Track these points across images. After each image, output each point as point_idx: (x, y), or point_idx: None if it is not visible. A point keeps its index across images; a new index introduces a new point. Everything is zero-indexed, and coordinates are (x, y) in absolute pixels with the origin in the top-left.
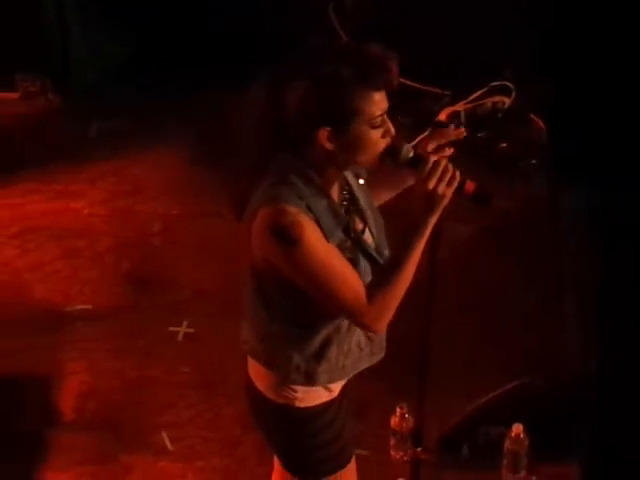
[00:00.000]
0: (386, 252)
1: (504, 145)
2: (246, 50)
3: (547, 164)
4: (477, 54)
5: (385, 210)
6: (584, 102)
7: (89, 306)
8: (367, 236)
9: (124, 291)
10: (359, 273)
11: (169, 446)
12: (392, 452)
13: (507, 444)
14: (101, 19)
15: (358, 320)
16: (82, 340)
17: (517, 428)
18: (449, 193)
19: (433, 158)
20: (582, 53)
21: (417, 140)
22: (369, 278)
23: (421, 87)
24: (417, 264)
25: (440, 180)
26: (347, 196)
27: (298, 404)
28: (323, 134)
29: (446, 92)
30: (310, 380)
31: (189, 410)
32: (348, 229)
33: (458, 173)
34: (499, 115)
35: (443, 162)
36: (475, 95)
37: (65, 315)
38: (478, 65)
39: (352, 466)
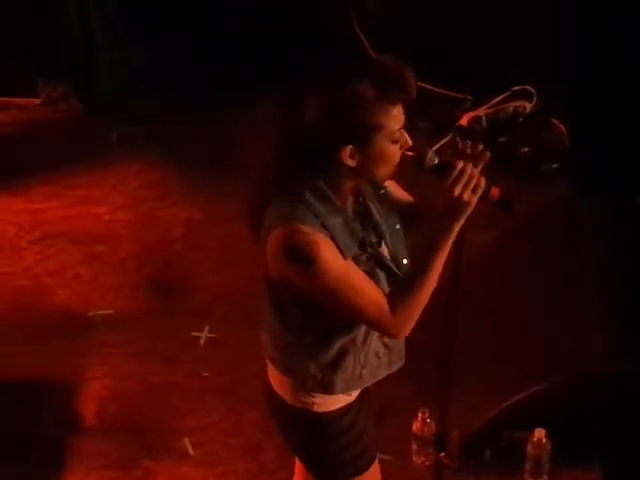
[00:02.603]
0: (405, 261)
1: (526, 149)
2: (270, 54)
3: (569, 167)
4: (498, 59)
5: None
6: (603, 106)
7: (111, 311)
8: (383, 248)
9: (146, 296)
10: (376, 284)
11: (191, 451)
12: (414, 457)
13: (529, 449)
14: (124, 26)
15: (382, 329)
16: (104, 345)
17: (539, 433)
18: (474, 200)
19: (459, 165)
20: (601, 58)
21: (438, 145)
22: (386, 289)
23: (443, 92)
24: (440, 271)
25: (466, 187)
26: (361, 209)
27: (316, 409)
28: (345, 152)
29: (468, 97)
30: (327, 389)
31: (211, 415)
32: (364, 244)
33: (483, 179)
34: (520, 119)
35: (469, 169)
36: (497, 100)
37: (87, 320)
38: (499, 70)
39: (375, 469)
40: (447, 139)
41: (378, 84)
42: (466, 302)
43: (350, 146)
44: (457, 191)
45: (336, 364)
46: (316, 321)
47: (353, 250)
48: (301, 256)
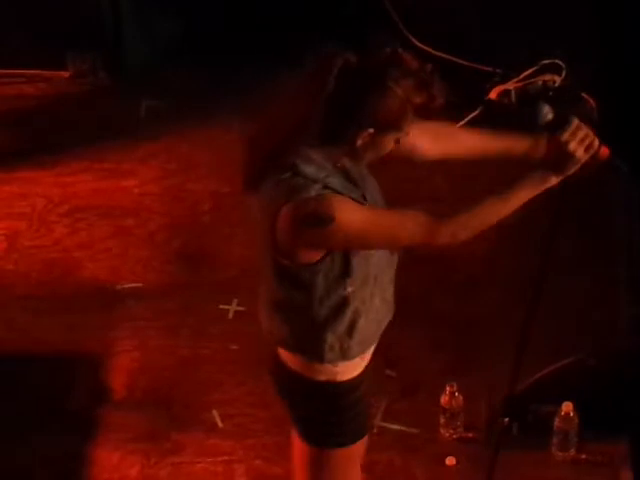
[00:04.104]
0: None
1: None
2: (297, 27)
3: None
4: (528, 32)
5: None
6: (634, 81)
7: (140, 284)
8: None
9: (175, 269)
10: None
11: (219, 423)
12: (441, 430)
13: (557, 422)
14: None
15: (432, 241)
16: (133, 318)
17: (567, 406)
18: (585, 158)
19: (575, 122)
20: (634, 31)
21: (468, 119)
22: None
23: (472, 65)
24: (511, 211)
25: (581, 143)
26: (342, 170)
27: (340, 378)
28: (364, 135)
29: (497, 70)
30: (346, 355)
31: (239, 388)
32: (364, 196)
33: (596, 140)
34: (550, 93)
35: (584, 127)
36: (526, 73)
37: (116, 293)
38: (529, 43)
39: (363, 442)
40: (476, 112)
41: (428, 98)
42: (493, 279)
43: (372, 131)
44: (573, 146)
45: (351, 329)
46: (331, 292)
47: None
48: (320, 220)
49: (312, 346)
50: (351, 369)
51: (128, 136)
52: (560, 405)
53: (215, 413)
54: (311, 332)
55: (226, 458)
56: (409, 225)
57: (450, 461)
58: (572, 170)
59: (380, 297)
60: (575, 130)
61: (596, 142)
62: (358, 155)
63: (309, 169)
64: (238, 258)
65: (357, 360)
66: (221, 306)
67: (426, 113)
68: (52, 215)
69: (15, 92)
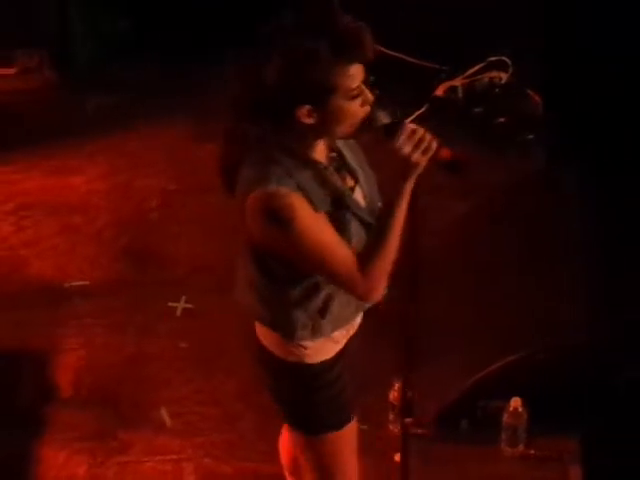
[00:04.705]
0: (380, 204)
1: (501, 120)
2: (250, 23)
3: (544, 138)
4: (475, 29)
5: None
6: (579, 78)
7: (87, 282)
8: (357, 193)
9: (122, 267)
10: (350, 238)
11: (168, 422)
12: (390, 426)
13: (505, 418)
14: None
15: (352, 291)
16: (80, 316)
17: (515, 402)
18: (424, 161)
19: (410, 126)
20: (579, 28)
21: (415, 115)
22: (361, 239)
23: (418, 62)
24: (399, 233)
25: (416, 147)
26: (335, 155)
27: (308, 360)
28: (302, 112)
29: (444, 67)
30: (316, 333)
31: (188, 386)
32: (338, 197)
33: (434, 141)
34: (496, 90)
35: (420, 130)
36: (473, 70)
37: (63, 291)
38: (476, 40)
39: (353, 428)
40: (423, 110)
41: (333, 43)
42: (441, 274)
43: (307, 106)
44: (406, 150)
45: (324, 310)
46: (302, 275)
47: (326, 205)
48: (278, 219)
49: (284, 323)
50: (321, 352)
51: (75, 133)
52: (509, 401)
53: (163, 411)
54: (284, 311)
55: (174, 457)
56: (343, 265)
57: (399, 457)
58: (415, 174)
59: None
60: (409, 134)
61: (434, 144)
62: (324, 132)
63: (283, 157)
64: (186, 255)
65: (327, 343)
66: (169, 304)
67: (355, 48)
68: None
69: None
